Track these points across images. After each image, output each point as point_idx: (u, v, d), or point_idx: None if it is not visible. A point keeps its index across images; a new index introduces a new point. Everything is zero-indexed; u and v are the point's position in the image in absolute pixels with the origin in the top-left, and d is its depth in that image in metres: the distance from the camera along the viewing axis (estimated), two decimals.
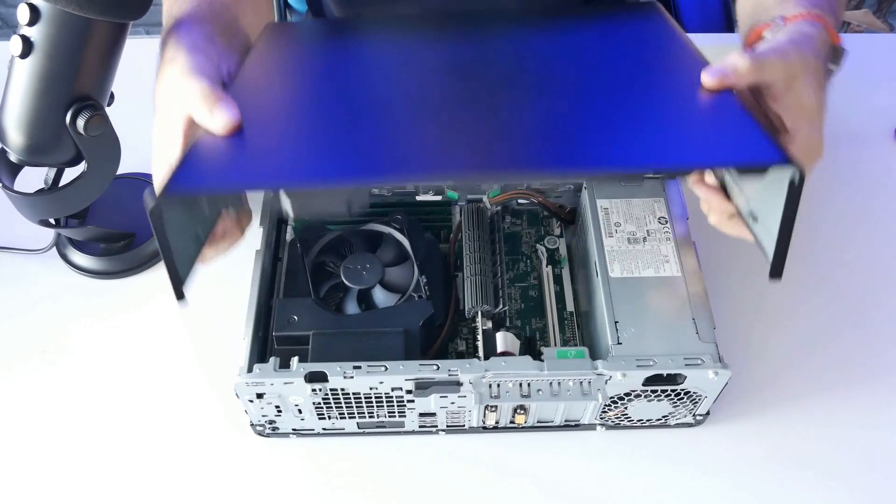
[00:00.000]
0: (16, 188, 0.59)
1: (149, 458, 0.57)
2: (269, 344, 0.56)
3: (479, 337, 0.55)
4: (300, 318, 0.54)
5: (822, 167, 0.74)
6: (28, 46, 0.51)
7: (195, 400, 0.60)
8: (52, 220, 0.63)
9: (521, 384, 0.51)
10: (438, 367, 0.49)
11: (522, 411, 0.54)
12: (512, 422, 0.56)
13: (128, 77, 0.62)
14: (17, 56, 0.52)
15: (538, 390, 0.51)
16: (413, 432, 0.57)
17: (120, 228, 0.67)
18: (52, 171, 0.61)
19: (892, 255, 0.68)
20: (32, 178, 0.60)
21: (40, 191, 0.60)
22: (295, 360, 0.50)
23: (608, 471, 0.56)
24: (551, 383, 0.51)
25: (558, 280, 0.63)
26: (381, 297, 0.57)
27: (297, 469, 0.56)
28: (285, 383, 0.50)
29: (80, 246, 0.67)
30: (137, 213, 0.69)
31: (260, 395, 0.51)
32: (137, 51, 0.71)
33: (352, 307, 0.57)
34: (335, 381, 0.49)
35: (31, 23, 0.50)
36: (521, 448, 0.57)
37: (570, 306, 0.62)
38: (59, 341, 0.63)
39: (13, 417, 0.59)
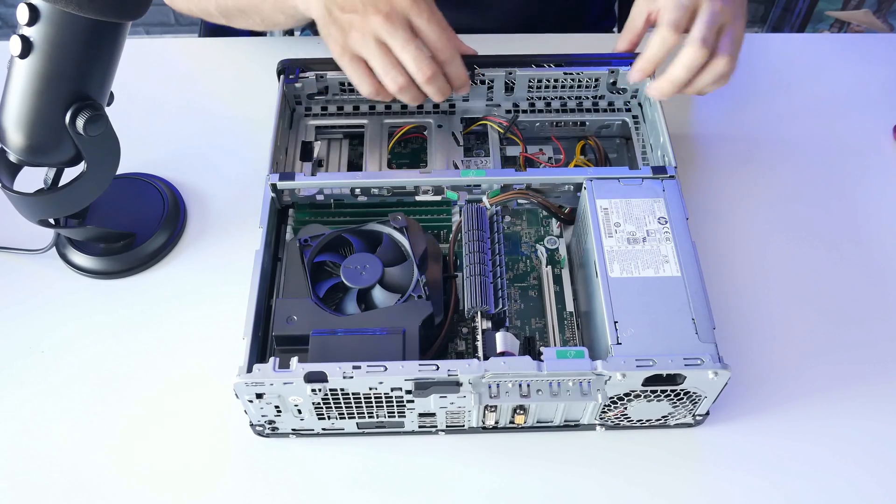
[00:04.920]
0: (15, 188, 0.59)
1: (148, 458, 0.57)
2: (268, 344, 0.56)
3: (479, 337, 0.55)
4: (300, 318, 0.54)
5: (822, 167, 0.74)
6: (27, 46, 0.51)
7: (195, 400, 0.60)
8: (51, 220, 0.63)
9: (520, 384, 0.51)
10: (438, 367, 0.49)
11: (522, 411, 0.54)
12: (511, 422, 0.56)
13: (128, 77, 0.62)
14: (16, 56, 0.52)
15: (538, 390, 0.51)
16: (413, 432, 0.57)
17: (120, 228, 0.67)
18: (52, 171, 0.61)
19: (892, 254, 0.68)
20: (32, 178, 0.60)
21: (40, 191, 0.60)
22: (294, 360, 0.50)
23: (608, 471, 0.56)
24: (551, 383, 0.51)
25: (558, 280, 0.63)
26: (380, 296, 0.57)
27: (296, 469, 0.56)
28: (284, 383, 0.50)
29: (80, 246, 0.67)
30: (137, 213, 0.70)
31: (259, 396, 0.51)
32: (137, 51, 0.71)
33: (351, 307, 0.57)
34: (334, 382, 0.49)
35: (31, 23, 0.50)
36: (521, 448, 0.57)
37: (569, 306, 0.62)
38: (59, 341, 0.63)
39: (12, 417, 0.59)
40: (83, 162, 0.58)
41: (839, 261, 0.68)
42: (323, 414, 0.54)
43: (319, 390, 0.50)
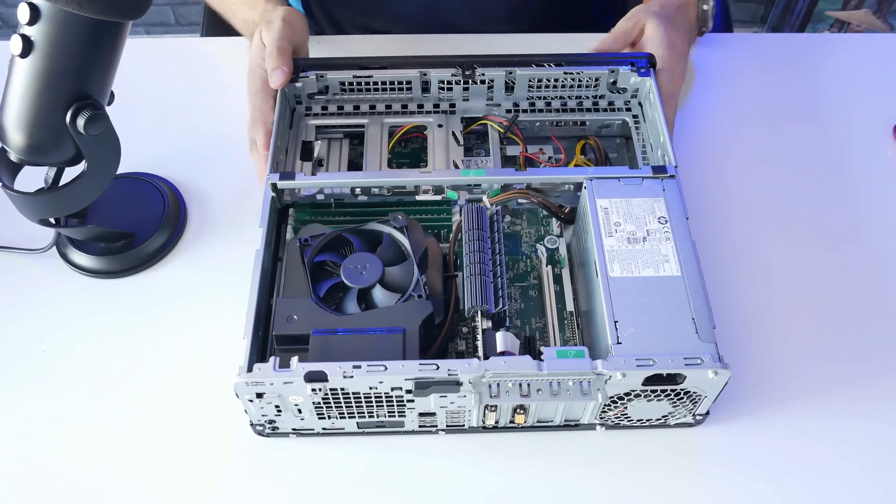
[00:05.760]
0: (16, 188, 0.59)
1: (148, 458, 0.57)
2: (269, 343, 0.56)
3: (479, 336, 0.55)
4: (300, 317, 0.54)
5: (822, 167, 0.74)
6: (28, 46, 0.51)
7: (195, 400, 0.60)
8: (52, 220, 0.63)
9: (520, 384, 0.51)
10: (438, 367, 0.49)
11: (522, 411, 0.54)
12: (512, 422, 0.56)
13: (128, 77, 0.62)
14: (17, 56, 0.52)
15: (538, 390, 0.51)
16: (413, 432, 0.57)
17: (120, 228, 0.67)
18: (52, 171, 0.61)
19: (891, 254, 0.68)
20: (32, 178, 0.60)
21: (40, 190, 0.60)
22: (295, 359, 0.50)
23: (608, 470, 0.56)
24: (551, 383, 0.51)
25: (558, 280, 0.63)
26: (380, 296, 0.57)
27: (296, 469, 0.56)
28: (285, 383, 0.50)
29: (80, 245, 0.67)
30: (137, 212, 0.70)
31: (260, 395, 0.51)
32: (137, 51, 0.71)
33: (351, 307, 0.57)
34: (335, 381, 0.49)
35: (31, 22, 0.50)
36: (521, 448, 0.57)
37: (569, 306, 0.62)
38: (59, 341, 0.63)
39: (12, 417, 0.59)
40: (83, 161, 0.58)
41: (839, 260, 0.68)
42: (323, 413, 0.54)
43: (320, 390, 0.50)
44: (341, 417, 0.55)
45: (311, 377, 0.49)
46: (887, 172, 0.74)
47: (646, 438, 0.57)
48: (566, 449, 0.57)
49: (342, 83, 0.71)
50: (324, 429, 0.56)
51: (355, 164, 0.71)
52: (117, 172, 0.61)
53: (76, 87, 0.54)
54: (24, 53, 0.51)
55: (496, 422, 0.56)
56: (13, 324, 0.64)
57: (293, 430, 0.57)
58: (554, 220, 0.66)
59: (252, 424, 0.56)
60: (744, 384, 0.59)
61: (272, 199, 0.61)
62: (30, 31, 0.51)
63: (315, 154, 0.69)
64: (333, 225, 0.61)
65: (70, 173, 0.60)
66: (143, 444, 0.58)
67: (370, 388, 0.50)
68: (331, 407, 0.53)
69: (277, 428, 0.56)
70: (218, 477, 0.56)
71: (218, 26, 1.02)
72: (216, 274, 0.67)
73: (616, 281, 0.54)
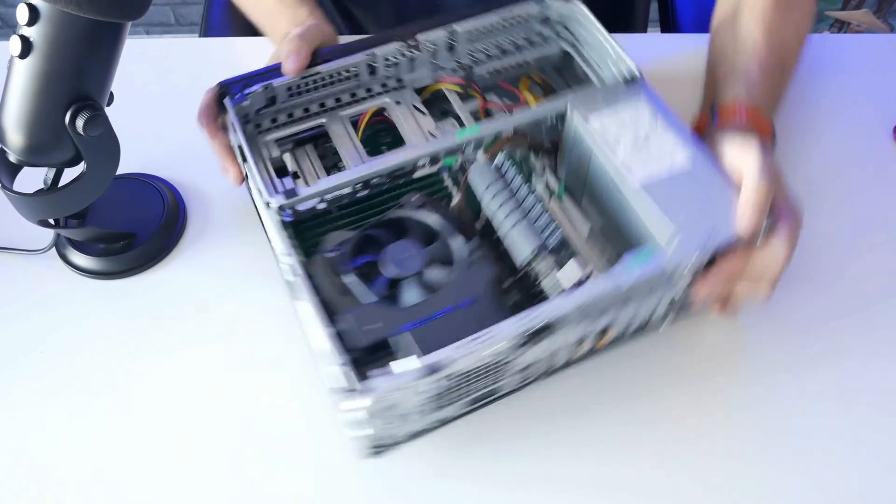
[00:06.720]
0: (15, 188, 0.59)
1: (147, 459, 0.57)
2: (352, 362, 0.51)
3: (552, 274, 0.55)
4: (371, 324, 0.52)
5: (821, 167, 0.74)
6: (27, 47, 0.51)
7: (194, 400, 0.60)
8: (51, 221, 0.63)
9: (607, 303, 0.52)
10: (539, 314, 0.49)
11: (606, 332, 0.55)
12: (595, 346, 0.57)
13: (128, 77, 0.62)
14: (16, 56, 0.52)
15: (623, 301, 0.52)
16: (509, 393, 0.57)
17: (120, 229, 0.67)
18: (52, 172, 0.61)
19: (891, 254, 0.68)
20: (32, 179, 0.60)
21: (40, 191, 0.60)
22: (413, 358, 0.47)
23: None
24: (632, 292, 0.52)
25: (564, 210, 0.63)
26: (436, 274, 0.56)
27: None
28: (407, 386, 0.47)
29: (80, 246, 0.67)
30: (137, 213, 0.70)
31: (376, 412, 0.48)
32: (137, 51, 0.71)
33: (414, 296, 0.55)
34: (455, 365, 0.47)
35: (31, 23, 0.50)
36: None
37: (583, 232, 0.61)
38: (59, 342, 0.63)
39: (12, 417, 0.59)
40: (83, 162, 0.58)
41: (838, 260, 0.67)
42: (441, 403, 0.51)
43: (441, 380, 0.48)
44: (452, 403, 0.52)
45: (434, 368, 0.47)
46: (887, 172, 0.74)
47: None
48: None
49: (289, 88, 0.66)
50: (429, 426, 0.54)
51: (332, 165, 0.68)
52: (117, 173, 0.61)
53: (75, 87, 0.54)
54: (24, 54, 0.51)
55: (588, 349, 0.56)
56: (13, 324, 0.64)
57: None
58: (539, 156, 0.65)
59: (370, 446, 0.53)
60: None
61: (280, 223, 0.56)
62: (29, 31, 0.51)
63: (289, 168, 0.66)
64: (344, 228, 0.60)
65: (69, 174, 0.60)
66: (143, 445, 0.58)
67: (481, 362, 0.49)
68: (448, 394, 0.51)
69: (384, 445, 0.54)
70: (217, 477, 0.56)
71: (218, 26, 1.02)
72: (216, 275, 0.67)
73: (638, 189, 0.55)
